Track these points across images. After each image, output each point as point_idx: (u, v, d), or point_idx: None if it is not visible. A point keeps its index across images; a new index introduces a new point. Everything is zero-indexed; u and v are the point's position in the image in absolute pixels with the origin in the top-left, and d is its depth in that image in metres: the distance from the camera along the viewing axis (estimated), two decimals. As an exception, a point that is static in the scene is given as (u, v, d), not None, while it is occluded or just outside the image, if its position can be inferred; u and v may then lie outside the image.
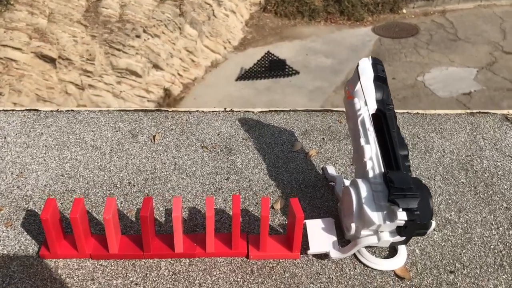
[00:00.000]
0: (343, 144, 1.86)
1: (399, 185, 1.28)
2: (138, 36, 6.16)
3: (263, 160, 1.77)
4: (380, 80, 1.51)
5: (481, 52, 6.39)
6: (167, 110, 2.01)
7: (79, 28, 5.96)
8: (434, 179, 1.71)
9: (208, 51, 6.90)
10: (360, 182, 1.37)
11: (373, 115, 1.47)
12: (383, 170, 1.37)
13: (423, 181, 1.69)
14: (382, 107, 1.47)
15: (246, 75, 6.73)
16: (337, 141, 1.88)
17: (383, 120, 1.46)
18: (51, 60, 5.69)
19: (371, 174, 1.38)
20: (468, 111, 2.03)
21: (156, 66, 6.42)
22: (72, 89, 5.76)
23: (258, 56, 6.88)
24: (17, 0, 5.71)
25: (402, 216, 1.25)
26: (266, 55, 6.74)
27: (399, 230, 1.31)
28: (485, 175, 1.71)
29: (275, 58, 6.70)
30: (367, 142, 1.42)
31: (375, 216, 1.30)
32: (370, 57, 1.55)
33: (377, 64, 1.53)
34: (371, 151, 1.40)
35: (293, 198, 1.38)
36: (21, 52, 5.57)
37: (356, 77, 1.52)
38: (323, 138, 1.89)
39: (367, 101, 1.48)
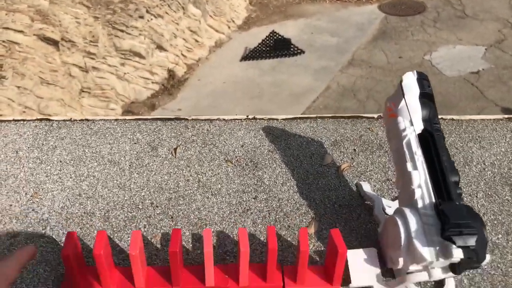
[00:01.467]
0: (376, 156, 1.75)
1: (455, 220, 1.17)
2: (141, 17, 5.99)
3: (292, 176, 1.66)
4: (426, 97, 1.39)
5: (490, 29, 6.24)
6: (187, 119, 1.88)
7: (82, 9, 5.78)
8: (477, 196, 1.60)
9: (212, 31, 6.74)
10: (408, 213, 1.26)
11: (419, 135, 1.35)
12: (433, 200, 1.25)
13: (466, 200, 1.58)
14: (429, 127, 1.36)
15: (251, 55, 6.59)
16: (370, 152, 1.77)
17: (431, 142, 1.34)
18: (54, 43, 5.53)
19: (420, 204, 1.27)
20: (506, 116, 1.91)
21: (160, 47, 6.27)
22: (76, 72, 5.62)
23: (262, 36, 6.73)
24: (17, -19, 5.51)
25: (458, 254, 1.15)
26: (271, 34, 6.58)
27: (452, 267, 1.21)
28: (531, 191, 1.61)
29: (280, 37, 6.54)
30: (415, 167, 1.31)
31: (427, 253, 1.19)
32: (415, 71, 1.42)
33: (423, 80, 1.40)
34: (420, 178, 1.29)
35: (333, 229, 1.28)
36: (23, 34, 5.41)
37: (400, 93, 1.40)
38: (355, 149, 1.78)
39: (412, 121, 1.36)
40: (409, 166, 1.32)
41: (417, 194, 1.28)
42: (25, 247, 0.80)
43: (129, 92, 5.81)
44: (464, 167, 1.71)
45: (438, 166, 1.31)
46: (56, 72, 5.42)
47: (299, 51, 6.33)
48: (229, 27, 6.77)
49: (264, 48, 6.44)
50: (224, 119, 1.90)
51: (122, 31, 5.90)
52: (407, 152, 1.34)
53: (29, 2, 5.47)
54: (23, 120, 1.86)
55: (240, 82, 6.18)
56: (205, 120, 1.89)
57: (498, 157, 1.74)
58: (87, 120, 1.85)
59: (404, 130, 1.36)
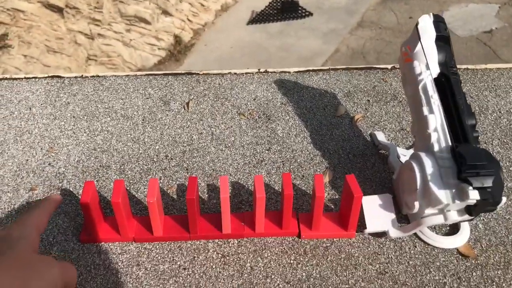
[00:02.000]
0: (391, 106, 1.74)
1: (471, 162, 1.16)
2: (145, -19, 5.92)
3: (305, 127, 1.66)
4: (442, 40, 1.37)
5: (504, -14, 6.12)
6: (198, 74, 1.87)
7: (84, -26, 5.73)
8: (492, 144, 1.59)
9: (218, -6, 6.66)
10: (424, 157, 1.25)
11: (435, 79, 1.34)
12: (450, 143, 1.25)
13: (481, 147, 1.57)
14: (446, 70, 1.34)
15: (258, 19, 6.53)
16: (384, 103, 1.75)
17: (447, 86, 1.33)
18: (58, 10, 5.50)
19: (436, 148, 1.26)
20: (522, 65, 1.88)
21: (165, 12, 6.21)
22: (82, 39, 5.60)
23: (269, -3, 6.64)
24: None
25: (474, 195, 1.14)
26: (278, -3, 6.49)
27: (468, 209, 1.21)
28: (547, 137, 1.59)
29: (287, -1, 6.46)
30: (431, 111, 1.30)
31: (443, 195, 1.19)
32: (431, 14, 1.39)
33: (439, 22, 1.38)
34: (436, 121, 1.28)
35: (349, 175, 1.28)
36: (28, 2, 5.38)
37: (415, 37, 1.37)
38: (369, 100, 1.77)
39: (429, 64, 1.34)
40: (425, 110, 1.31)
41: (433, 138, 1.27)
42: (50, 196, 0.81)
43: (136, 59, 5.79)
44: (480, 115, 1.69)
45: (454, 109, 1.30)
46: (62, 40, 5.40)
47: (307, 13, 6.26)
48: (235, -10, 6.69)
49: (271, 11, 6.37)
50: (235, 73, 1.89)
51: (127, -4, 5.84)
52: (423, 97, 1.33)
53: (32, -31, 5.43)
54: (35, 78, 1.86)
55: (247, 46, 6.13)
56: (216, 74, 1.88)
57: (513, 105, 1.72)
58: (98, 76, 1.85)
59: (420, 74, 1.34)
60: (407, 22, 6.16)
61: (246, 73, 1.89)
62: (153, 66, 5.82)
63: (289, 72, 1.89)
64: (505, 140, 1.60)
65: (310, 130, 1.65)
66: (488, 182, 1.15)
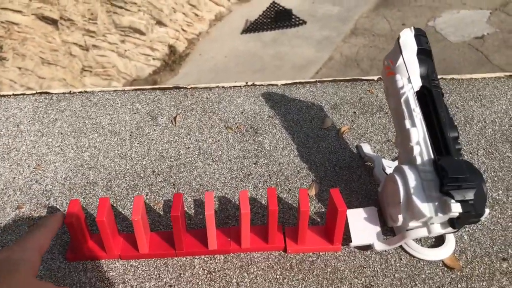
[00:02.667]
0: (377, 117, 1.75)
1: (453, 175, 1.17)
2: (139, -9, 5.94)
3: (292, 140, 1.66)
4: (424, 54, 1.38)
5: (494, -8, 6.16)
6: (186, 88, 1.88)
7: (79, -14, 5.75)
8: (477, 154, 1.60)
9: (212, 4, 6.68)
10: (407, 170, 1.26)
11: (417, 92, 1.35)
12: (432, 156, 1.25)
13: (466, 158, 1.58)
14: (428, 83, 1.35)
15: (252, 28, 6.54)
16: (370, 114, 1.76)
17: (429, 99, 1.34)
18: (53, 22, 5.51)
19: (419, 161, 1.27)
20: (508, 74, 1.89)
21: (160, 23, 6.23)
22: (77, 51, 5.61)
23: (263, 7, 6.66)
24: (11, -40, 5.46)
25: (456, 209, 1.15)
26: (272, 6, 6.52)
27: (451, 222, 1.22)
28: (532, 145, 1.60)
29: (280, 8, 6.48)
30: (413, 124, 1.31)
31: (426, 208, 1.20)
32: (412, 27, 1.41)
33: (420, 36, 1.39)
34: (418, 134, 1.29)
35: (333, 189, 1.28)
36: (22, 14, 5.39)
37: (397, 50, 1.39)
38: (355, 112, 1.77)
39: (411, 78, 1.35)
40: (407, 123, 1.32)
41: (416, 151, 1.28)
42: (53, 215, 0.79)
43: (131, 70, 5.80)
44: (465, 125, 1.70)
45: (436, 122, 1.30)
46: (57, 52, 5.41)
47: (300, 21, 6.28)
48: (228, 0, 6.71)
49: (265, 20, 6.39)
50: (223, 87, 1.90)
51: (120, 7, 5.86)
52: (405, 110, 1.34)
53: (26, -19, 5.44)
54: (23, 94, 1.87)
55: (242, 55, 6.15)
56: (204, 88, 1.89)
57: (499, 115, 1.73)
58: (86, 92, 1.86)
59: (402, 87, 1.35)
60: (400, 28, 6.14)
61: (233, 86, 1.90)
62: (148, 76, 5.83)
63: (276, 85, 1.90)
64: (490, 150, 1.61)
65: (296, 143, 1.66)
66: (470, 195, 1.16)
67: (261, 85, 1.90)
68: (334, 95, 1.85)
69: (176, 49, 6.22)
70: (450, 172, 1.17)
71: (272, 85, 1.90)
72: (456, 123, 1.71)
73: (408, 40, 1.38)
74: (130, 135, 1.68)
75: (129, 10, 5.94)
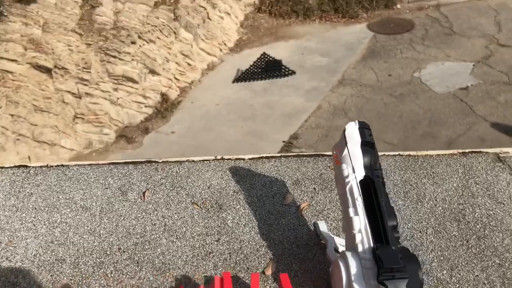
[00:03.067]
0: (334, 194, 1.85)
1: (388, 265, 1.26)
2: (133, 43, 6.12)
3: (254, 217, 1.76)
4: (367, 145, 1.49)
5: (477, 45, 6.36)
6: (157, 162, 1.99)
7: (74, 37, 5.92)
8: (426, 233, 1.69)
9: (204, 54, 6.86)
10: (349, 257, 1.35)
11: (361, 182, 1.45)
12: (372, 245, 1.35)
13: (416, 236, 1.67)
14: (370, 173, 1.45)
15: (243, 77, 6.72)
16: (329, 191, 1.86)
17: (372, 188, 1.44)
18: (47, 70, 5.67)
19: (360, 248, 1.36)
20: (460, 151, 2.00)
21: (153, 71, 6.39)
22: (69, 98, 5.74)
23: (254, 57, 6.85)
24: (11, 12, 5.65)
25: (390, 299, 1.24)
26: (262, 56, 6.71)
27: (388, 309, 1.30)
28: (477, 226, 1.70)
29: (271, 58, 6.67)
30: (356, 213, 1.41)
31: (365, 296, 1.29)
32: (356, 121, 1.52)
33: (364, 129, 1.51)
34: (360, 223, 1.39)
35: (283, 274, 1.37)
36: (17, 63, 5.55)
37: (343, 142, 1.50)
38: (315, 188, 1.88)
39: (354, 168, 1.46)
40: (351, 211, 1.42)
41: (358, 239, 1.38)
42: None
43: (123, 117, 5.93)
44: (417, 203, 1.80)
45: (378, 211, 1.40)
46: (50, 99, 5.54)
47: (290, 72, 6.46)
48: (221, 50, 6.90)
49: (255, 70, 6.57)
50: (193, 161, 2.00)
51: (114, 57, 6.03)
52: (349, 198, 1.44)
53: (22, 31, 5.62)
54: (1, 168, 1.97)
55: (233, 103, 6.29)
56: (174, 162, 1.99)
57: (449, 193, 1.83)
58: (63, 165, 1.96)
59: (347, 176, 1.46)
60: (387, 79, 6.36)
61: (203, 160, 2.00)
62: (140, 123, 5.96)
63: (243, 159, 2.01)
64: (438, 229, 1.70)
65: (258, 219, 1.75)
66: (402, 286, 1.25)
67: (229, 159, 2.01)
68: (296, 171, 1.96)
69: (169, 97, 6.37)
70: (385, 262, 1.27)
71: (240, 159, 2.01)
72: (408, 200, 1.81)
73: (352, 133, 1.50)
74: (100, 211, 1.77)
75: (123, 60, 6.11)
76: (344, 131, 1.51)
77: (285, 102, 6.36)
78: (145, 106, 6.24)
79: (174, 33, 6.50)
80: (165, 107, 6.36)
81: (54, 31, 5.78)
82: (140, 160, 1.95)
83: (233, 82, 6.63)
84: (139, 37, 6.22)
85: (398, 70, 6.25)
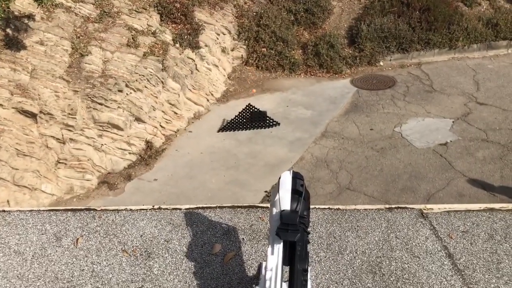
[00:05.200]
0: (261, 244, 1.92)
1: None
2: (120, 91, 6.27)
3: (181, 265, 1.83)
4: (297, 194, 1.60)
5: (456, 103, 6.51)
6: (96, 209, 2.08)
7: (61, 84, 6.09)
8: (342, 284, 1.75)
9: (191, 103, 7.01)
10: (257, 293, 1.43)
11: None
12: (279, 284, 1.44)
13: (331, 286, 1.74)
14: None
15: (228, 126, 6.85)
16: (257, 241, 1.94)
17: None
18: (32, 115, 5.79)
19: (268, 285, 1.45)
20: (387, 206, 2.08)
21: (138, 119, 6.51)
22: (53, 143, 5.84)
23: (240, 108, 7.00)
24: (0, 58, 5.86)
25: None
26: (248, 107, 6.86)
27: None
28: (391, 278, 1.76)
29: (256, 109, 6.81)
30: (272, 252, 1.50)
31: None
32: (291, 171, 1.64)
33: (297, 178, 1.62)
34: (273, 262, 1.48)
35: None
36: (2, 108, 5.68)
37: (276, 188, 1.61)
38: (243, 238, 1.95)
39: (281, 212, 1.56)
40: (269, 250, 1.51)
41: (268, 275, 1.47)
42: None
43: (106, 163, 6.01)
44: (338, 255, 1.87)
45: (293, 254, 1.50)
46: (33, 144, 5.64)
47: (274, 123, 6.59)
48: (208, 100, 7.06)
49: (241, 120, 6.70)
50: (131, 209, 2.09)
51: (101, 104, 6.17)
52: (271, 239, 1.53)
53: (10, 76, 5.79)
54: None
55: (217, 152, 6.39)
56: (112, 210, 2.08)
57: (370, 246, 1.90)
58: (4, 211, 2.05)
59: (274, 219, 1.55)
60: (368, 133, 6.48)
61: (140, 209, 2.09)
62: (122, 170, 6.03)
63: (180, 209, 2.09)
64: (354, 281, 1.76)
65: (184, 268, 1.82)
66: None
67: (166, 208, 2.09)
68: (229, 221, 2.03)
69: (153, 144, 6.47)
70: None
71: (176, 209, 2.09)
72: (330, 252, 1.88)
73: (286, 181, 1.61)
74: (33, 256, 1.85)
75: (109, 107, 6.24)
76: (279, 178, 1.62)
77: (268, 152, 6.46)
78: (129, 153, 6.34)
79: (162, 82, 6.67)
80: (149, 155, 6.45)
81: (42, 77, 5.95)
82: (79, 207, 2.04)
83: (218, 131, 6.76)
84: (127, 86, 6.39)
85: (379, 125, 6.37)
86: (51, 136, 5.89)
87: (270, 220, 1.60)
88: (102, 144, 6.18)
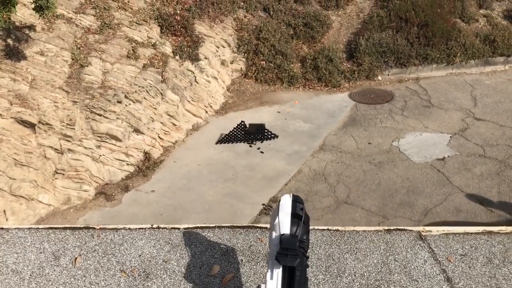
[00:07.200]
0: (260, 266, 1.92)
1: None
2: (119, 102, 6.27)
3: (179, 286, 1.83)
4: (297, 217, 1.60)
5: (454, 118, 6.53)
6: (94, 228, 2.07)
7: (61, 94, 6.09)
8: (340, 308, 1.75)
9: (190, 115, 7.02)
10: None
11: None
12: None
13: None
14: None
15: (227, 138, 6.85)
16: (255, 262, 1.94)
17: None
18: (30, 125, 5.78)
19: (266, 309, 1.45)
20: (386, 228, 2.09)
21: (137, 130, 6.50)
22: (51, 154, 5.82)
23: (238, 120, 7.00)
24: (0, 68, 5.86)
25: None
26: (246, 120, 6.86)
27: None
28: (390, 303, 1.76)
29: (254, 122, 6.82)
30: (271, 277, 1.50)
31: None
32: (291, 194, 1.64)
33: (297, 202, 1.62)
34: (272, 287, 1.48)
35: None
36: (1, 117, 5.67)
37: (276, 211, 1.61)
38: (242, 260, 1.95)
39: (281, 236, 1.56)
40: (268, 275, 1.51)
41: (266, 300, 1.47)
42: None
43: (104, 174, 6.00)
44: (336, 278, 1.87)
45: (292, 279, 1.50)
46: (31, 154, 5.62)
47: (272, 135, 6.59)
48: (206, 112, 7.07)
49: (239, 132, 6.71)
50: (129, 228, 2.09)
51: (100, 115, 6.16)
52: (271, 263, 1.53)
53: (9, 86, 5.78)
54: None
55: (215, 164, 6.39)
56: (111, 229, 2.08)
57: (369, 269, 1.90)
58: (2, 228, 2.05)
59: (274, 243, 1.55)
60: (366, 147, 6.49)
61: (139, 228, 2.09)
62: (120, 181, 6.02)
63: (178, 229, 2.09)
64: (352, 305, 1.76)
65: (181, 289, 1.82)
66: None
67: (165, 228, 2.09)
68: (228, 242, 2.03)
69: (151, 155, 6.47)
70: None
71: (175, 228, 2.09)
72: (329, 275, 1.88)
73: (286, 204, 1.62)
74: (30, 275, 1.84)
75: (108, 118, 6.24)
76: (279, 202, 1.63)
77: (266, 164, 6.45)
78: (127, 164, 6.33)
79: (161, 94, 6.68)
80: (147, 166, 6.43)
81: (42, 88, 5.95)
82: (78, 226, 2.04)
83: (217, 143, 6.76)
84: (126, 97, 6.39)
85: (377, 139, 6.38)
86: (49, 146, 5.88)
87: (270, 243, 1.60)
88: (100, 155, 6.17)
